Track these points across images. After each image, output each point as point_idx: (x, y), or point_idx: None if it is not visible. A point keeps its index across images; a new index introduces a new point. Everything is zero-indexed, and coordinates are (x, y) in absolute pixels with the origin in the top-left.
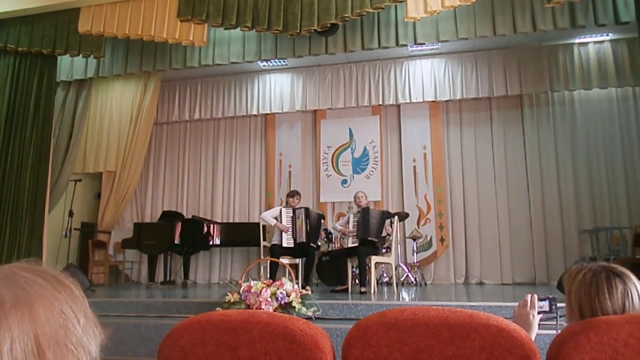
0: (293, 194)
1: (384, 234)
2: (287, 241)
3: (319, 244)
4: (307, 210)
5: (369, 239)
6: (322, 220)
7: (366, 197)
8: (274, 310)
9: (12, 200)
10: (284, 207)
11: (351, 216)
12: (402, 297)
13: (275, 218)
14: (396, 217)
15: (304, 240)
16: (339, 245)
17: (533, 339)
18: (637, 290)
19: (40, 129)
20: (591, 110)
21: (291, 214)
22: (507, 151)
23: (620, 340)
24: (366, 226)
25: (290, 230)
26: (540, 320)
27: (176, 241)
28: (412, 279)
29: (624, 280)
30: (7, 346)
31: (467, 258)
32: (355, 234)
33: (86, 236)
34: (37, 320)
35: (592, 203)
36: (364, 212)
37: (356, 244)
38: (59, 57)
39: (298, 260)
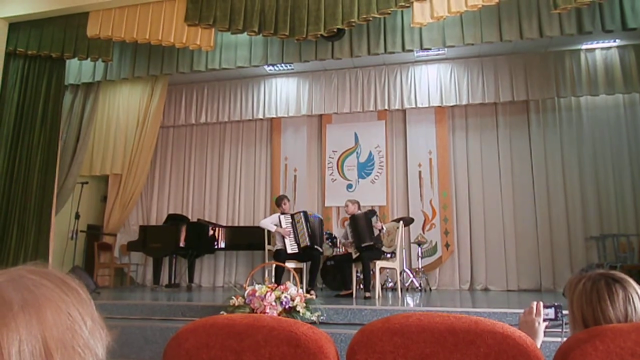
0: (281, 199)
1: (375, 233)
2: (292, 247)
3: (323, 247)
4: (305, 213)
5: (365, 244)
6: (323, 225)
7: (354, 203)
8: (278, 315)
9: (19, 202)
10: (280, 214)
11: (347, 228)
12: (407, 303)
13: (275, 225)
14: (401, 222)
15: (308, 244)
16: (343, 250)
17: (538, 346)
18: (639, 295)
19: (48, 132)
20: (598, 116)
21: (290, 220)
22: (513, 157)
23: (627, 349)
24: (357, 233)
25: (292, 235)
26: (546, 327)
27: (181, 244)
28: (417, 285)
29: (624, 286)
30: (15, 348)
31: (473, 264)
32: (353, 243)
33: (92, 238)
34: (44, 322)
35: (599, 210)
36: (352, 221)
37: (358, 253)
38: (67, 61)
39: (303, 264)
